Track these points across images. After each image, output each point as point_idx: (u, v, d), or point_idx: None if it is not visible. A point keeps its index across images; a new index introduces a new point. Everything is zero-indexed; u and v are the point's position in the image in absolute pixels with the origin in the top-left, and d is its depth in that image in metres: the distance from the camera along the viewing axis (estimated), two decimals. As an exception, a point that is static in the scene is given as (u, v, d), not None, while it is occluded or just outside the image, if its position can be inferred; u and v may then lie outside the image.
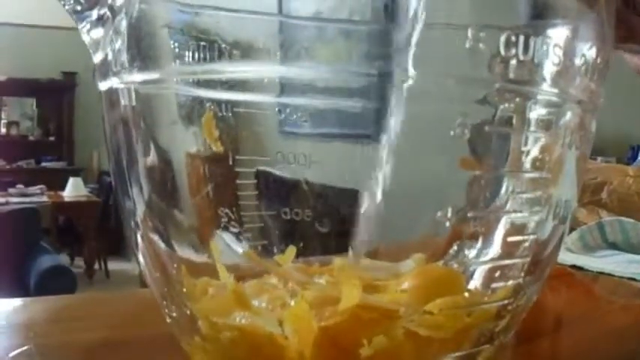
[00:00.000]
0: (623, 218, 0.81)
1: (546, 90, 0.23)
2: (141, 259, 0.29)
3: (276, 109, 0.27)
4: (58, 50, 5.73)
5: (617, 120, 3.18)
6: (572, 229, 0.80)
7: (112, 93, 0.26)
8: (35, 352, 0.35)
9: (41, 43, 6.05)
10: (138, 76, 0.25)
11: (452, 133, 0.23)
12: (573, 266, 0.70)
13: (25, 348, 0.35)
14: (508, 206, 0.25)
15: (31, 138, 6.49)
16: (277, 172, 0.29)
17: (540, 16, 0.23)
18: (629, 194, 0.96)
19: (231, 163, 0.28)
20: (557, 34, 0.23)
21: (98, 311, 0.48)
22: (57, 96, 6.36)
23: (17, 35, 5.98)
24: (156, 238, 0.28)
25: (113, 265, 4.76)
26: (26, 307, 0.49)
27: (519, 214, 0.25)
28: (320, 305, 0.24)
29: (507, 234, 0.25)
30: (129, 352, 0.37)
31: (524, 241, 0.25)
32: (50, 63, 6.09)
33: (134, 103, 0.26)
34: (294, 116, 0.27)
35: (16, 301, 0.50)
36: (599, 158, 1.82)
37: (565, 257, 0.73)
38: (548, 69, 0.23)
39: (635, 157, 3.40)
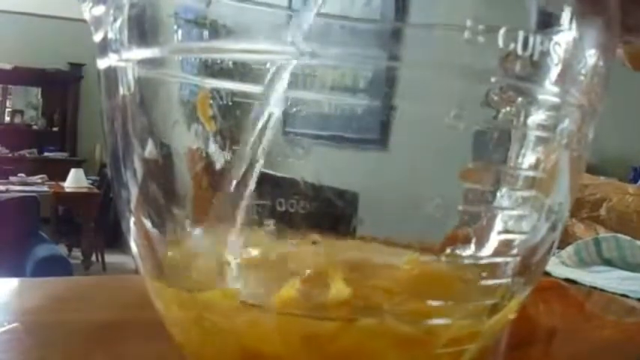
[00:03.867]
0: (619, 235, 0.81)
1: (546, 88, 0.23)
2: (133, 245, 0.29)
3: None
4: (66, 41, 5.74)
5: (620, 140, 3.18)
6: (568, 244, 0.80)
7: (111, 73, 0.27)
8: (22, 330, 0.35)
9: (49, 33, 6.07)
10: (137, 53, 0.25)
11: (446, 120, 0.23)
12: (567, 280, 0.70)
13: (12, 325, 0.35)
14: (502, 203, 0.25)
15: (34, 127, 6.50)
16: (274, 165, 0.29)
17: (546, 25, 0.24)
18: (628, 212, 0.96)
19: (228, 152, 0.29)
20: (558, 35, 0.23)
21: (91, 295, 0.48)
22: (62, 87, 6.38)
23: (25, 24, 6.00)
24: (148, 223, 0.28)
25: (110, 258, 4.76)
26: (20, 287, 0.50)
27: (513, 212, 0.25)
28: (309, 286, 0.24)
29: (500, 231, 0.25)
30: (117, 335, 0.38)
31: (515, 240, 0.25)
32: (57, 53, 6.10)
33: (132, 89, 0.26)
34: (294, 109, 0.27)
35: (10, 281, 0.50)
36: (601, 178, 1.82)
37: (559, 270, 0.73)
38: (548, 67, 0.23)
39: (636, 178, 3.40)
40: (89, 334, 0.37)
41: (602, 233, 0.86)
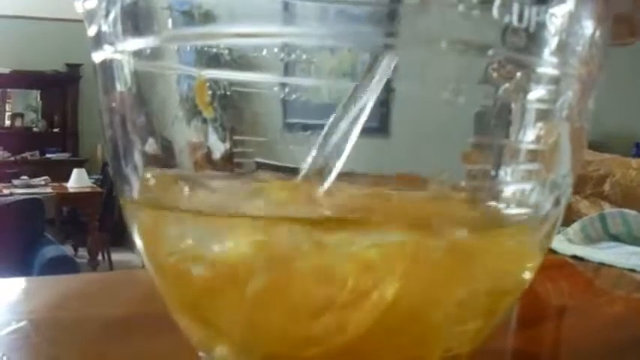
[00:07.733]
0: (625, 210, 0.80)
1: (544, 59, 0.23)
2: (136, 238, 0.29)
3: (275, 88, 0.27)
4: (62, 42, 5.75)
5: (621, 117, 3.17)
6: (573, 221, 0.80)
7: (107, 67, 0.26)
8: (31, 328, 0.35)
9: (45, 35, 6.07)
10: (132, 43, 0.25)
11: (446, 97, 0.22)
12: (574, 257, 0.70)
13: (21, 324, 0.35)
14: (506, 178, 0.25)
15: (35, 130, 6.51)
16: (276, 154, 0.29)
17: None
18: (632, 186, 0.96)
19: (229, 142, 0.28)
20: (554, 6, 0.23)
21: (98, 291, 0.48)
22: (61, 88, 6.38)
23: (21, 28, 6.00)
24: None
25: (117, 256, 4.77)
26: (27, 286, 0.50)
27: (517, 186, 0.25)
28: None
29: (504, 206, 0.25)
30: (126, 330, 0.38)
31: (521, 214, 0.25)
32: (54, 55, 6.10)
33: (129, 84, 0.26)
34: (294, 96, 0.27)
35: (17, 281, 0.50)
36: (604, 155, 1.82)
37: (566, 248, 0.73)
38: (545, 39, 0.23)
39: (639, 153, 3.40)
40: (98, 330, 0.37)
41: (608, 209, 0.86)
